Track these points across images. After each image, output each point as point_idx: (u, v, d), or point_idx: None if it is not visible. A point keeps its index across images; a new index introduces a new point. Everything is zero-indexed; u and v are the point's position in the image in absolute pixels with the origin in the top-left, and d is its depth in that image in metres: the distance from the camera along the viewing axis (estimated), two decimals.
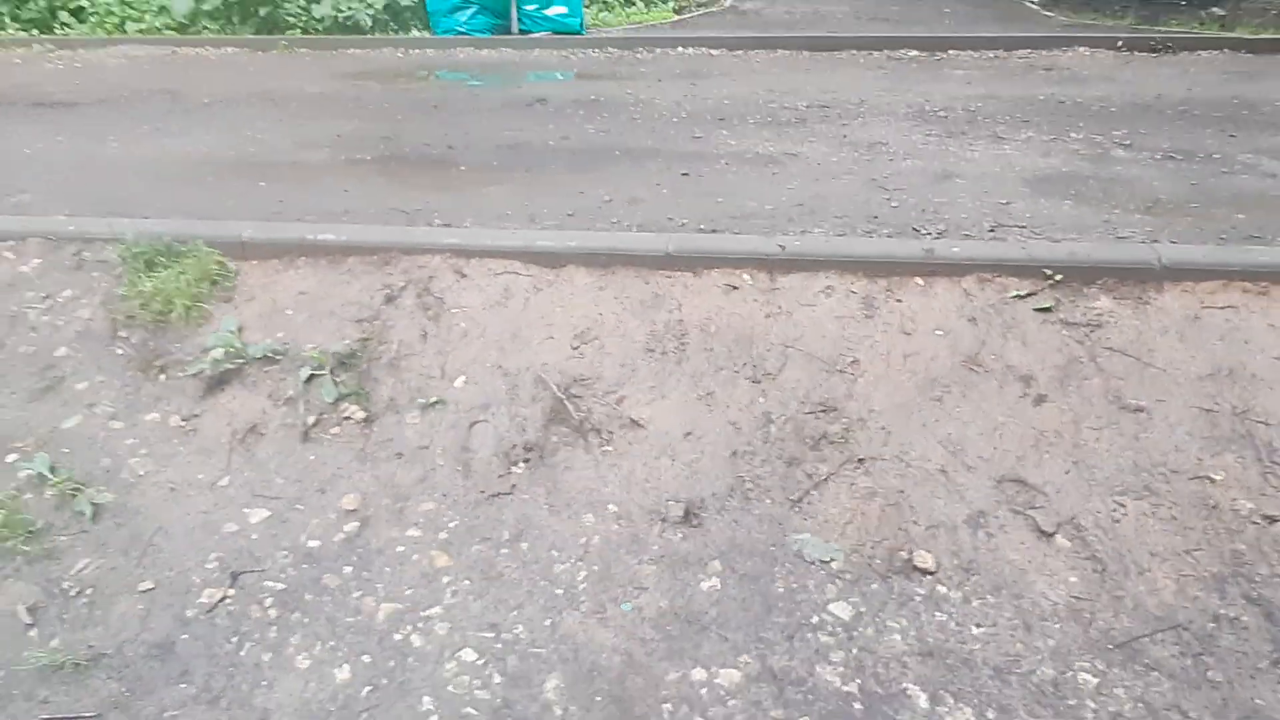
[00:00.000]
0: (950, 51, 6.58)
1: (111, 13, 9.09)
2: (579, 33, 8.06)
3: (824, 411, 2.65)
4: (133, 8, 9.13)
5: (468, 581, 2.30)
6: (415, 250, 3.19)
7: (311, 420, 2.77)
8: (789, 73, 6.22)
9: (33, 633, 2.20)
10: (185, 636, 2.18)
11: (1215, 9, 8.10)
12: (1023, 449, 2.51)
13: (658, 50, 7.13)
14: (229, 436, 2.77)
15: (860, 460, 2.54)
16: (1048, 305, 2.80)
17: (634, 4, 9.50)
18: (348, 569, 2.36)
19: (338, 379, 2.84)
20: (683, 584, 2.27)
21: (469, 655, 2.11)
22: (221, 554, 2.40)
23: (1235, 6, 8.13)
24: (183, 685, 2.06)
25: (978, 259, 2.93)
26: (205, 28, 8.72)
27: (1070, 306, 2.80)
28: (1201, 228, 3.30)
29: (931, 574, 2.26)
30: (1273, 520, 2.29)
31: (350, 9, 8.34)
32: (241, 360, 2.92)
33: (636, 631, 2.15)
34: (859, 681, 2.00)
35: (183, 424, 2.82)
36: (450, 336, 2.94)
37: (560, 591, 2.26)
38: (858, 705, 1.95)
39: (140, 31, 8.74)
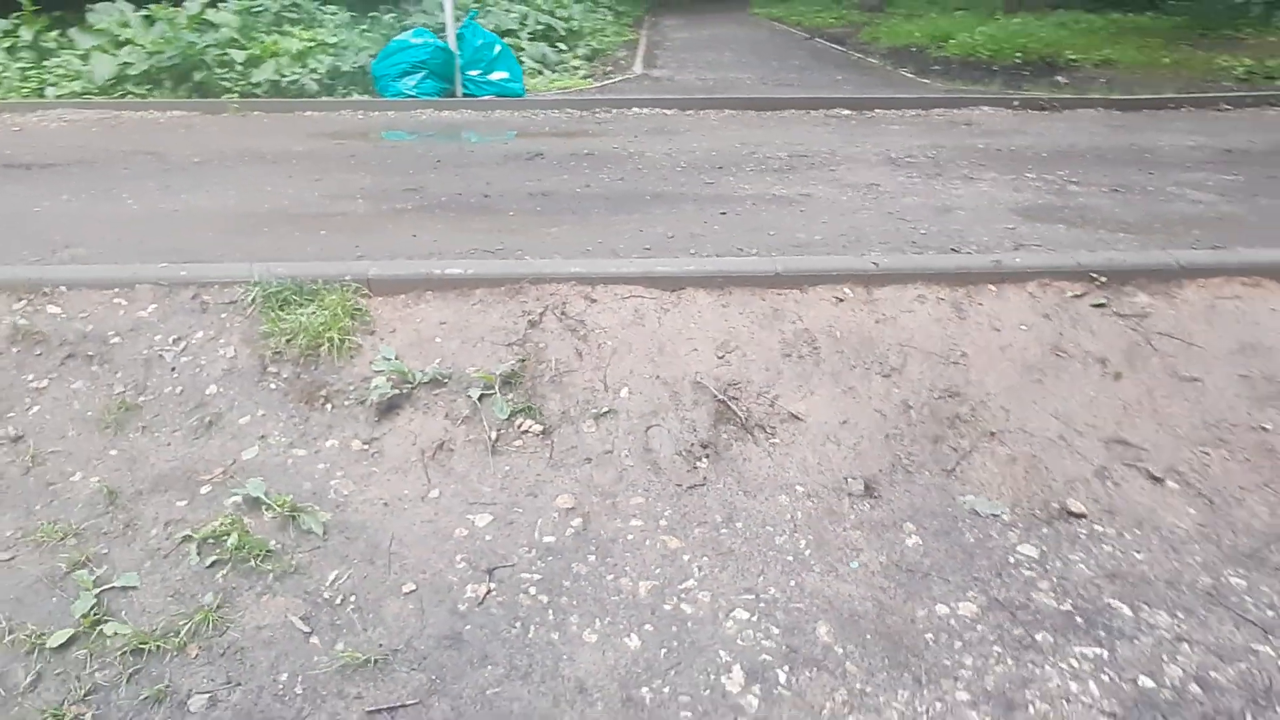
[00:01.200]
0: (877, 110, 7.35)
1: (28, 78, 8.65)
2: (521, 95, 8.39)
3: (950, 396, 3.04)
4: (49, 72, 8.72)
5: (705, 558, 2.51)
6: (541, 280, 3.39)
7: (494, 435, 2.90)
8: (748, 129, 6.77)
9: (313, 639, 2.22)
10: (468, 627, 2.27)
11: (1059, 78, 9.44)
12: (1116, 415, 2.99)
13: (614, 110, 7.55)
14: (419, 455, 2.85)
15: (992, 433, 2.94)
16: (1101, 302, 3.34)
17: (543, 73, 9.85)
18: (591, 557, 2.51)
19: (506, 397, 2.99)
20: (889, 543, 2.57)
21: (741, 614, 2.31)
22: (465, 555, 2.50)
23: (1071, 76, 9.53)
24: (489, 668, 2.15)
25: (1036, 267, 3.45)
26: (130, 92, 8.44)
27: (1119, 302, 3.34)
28: (1173, 240, 3.99)
29: (1084, 517, 2.67)
30: None
31: (294, 74, 8.32)
32: (409, 385, 3.01)
33: (873, 582, 2.43)
34: (1070, 601, 2.36)
35: (365, 447, 2.88)
36: (601, 354, 3.15)
37: (790, 559, 2.51)
38: (1079, 619, 2.30)
39: (59, 96, 8.36)
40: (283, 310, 3.22)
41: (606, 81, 10.17)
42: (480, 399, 2.98)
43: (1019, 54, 11.10)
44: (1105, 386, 3.08)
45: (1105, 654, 2.20)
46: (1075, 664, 2.17)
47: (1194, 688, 2.11)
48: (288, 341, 3.12)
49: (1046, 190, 4.90)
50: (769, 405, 3.01)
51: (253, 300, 3.25)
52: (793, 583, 2.43)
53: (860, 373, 3.11)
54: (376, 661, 2.16)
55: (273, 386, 3.05)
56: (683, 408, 3.00)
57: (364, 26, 9.76)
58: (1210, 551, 2.55)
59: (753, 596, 2.38)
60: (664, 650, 2.22)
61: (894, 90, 8.23)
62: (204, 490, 2.68)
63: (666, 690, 2.11)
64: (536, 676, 2.14)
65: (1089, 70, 10.01)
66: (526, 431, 2.93)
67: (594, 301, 3.33)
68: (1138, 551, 2.55)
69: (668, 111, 7.50)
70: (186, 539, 2.48)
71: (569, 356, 3.13)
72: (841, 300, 3.34)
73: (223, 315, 3.25)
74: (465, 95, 8.29)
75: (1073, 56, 10.77)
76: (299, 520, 2.55)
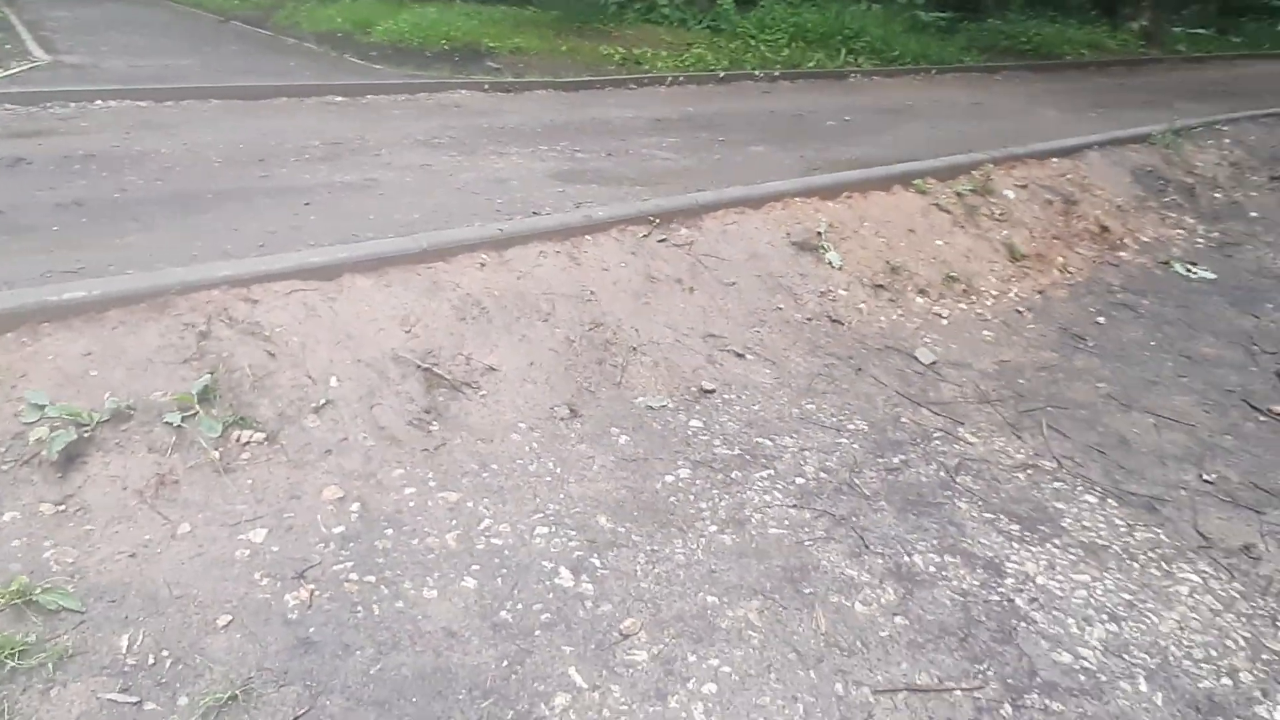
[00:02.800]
0: (369, 96, 7.50)
1: None
2: None
3: (596, 326, 3.65)
4: None
5: (485, 499, 2.73)
6: (190, 290, 3.07)
7: (217, 454, 2.66)
8: (251, 118, 6.39)
9: (148, 705, 1.93)
10: (311, 629, 2.18)
11: (490, 63, 10.60)
12: (701, 317, 3.93)
13: (73, 105, 6.40)
14: (138, 497, 2.48)
15: (633, 349, 3.63)
16: (663, 237, 4.24)
17: None
18: (389, 531, 2.54)
19: (212, 414, 2.74)
20: (608, 446, 3.10)
21: (541, 530, 2.63)
22: (262, 570, 2.33)
23: (499, 61, 10.77)
24: (357, 653, 2.13)
25: (614, 217, 4.20)
26: None
27: (673, 236, 4.28)
28: (671, 187, 5.13)
29: (714, 391, 3.53)
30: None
31: None
32: (87, 427, 2.56)
33: (614, 476, 2.93)
34: (736, 447, 3.18)
35: (61, 508, 2.40)
36: (292, 350, 3.03)
37: (549, 478, 2.87)
38: (746, 456, 3.13)
39: None
40: None
41: (14, 70, 8.36)
42: (183, 422, 2.68)
43: (445, 41, 11.96)
44: (687, 298, 3.99)
45: (771, 472, 3.07)
46: (760, 484, 2.99)
47: (823, 474, 3.09)
48: None
49: (563, 159, 5.75)
50: (466, 363, 3.27)
51: None
52: (562, 494, 2.82)
53: (526, 322, 3.53)
54: (238, 695, 2.01)
55: None
56: (393, 383, 3.10)
57: None
58: (788, 393, 3.61)
59: (541, 515, 2.72)
60: (499, 579, 2.45)
61: (374, 78, 8.41)
62: None
63: (520, 606, 2.37)
64: (406, 641, 2.22)
65: (508, 56, 11.31)
66: (249, 442, 2.74)
67: (256, 302, 3.14)
68: (753, 405, 3.49)
69: (142, 103, 6.62)
70: None
71: (261, 359, 2.96)
72: (484, 265, 3.69)
73: None
74: None
75: (491, 44, 11.98)
76: (40, 603, 2.10)
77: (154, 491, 2.52)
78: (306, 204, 4.41)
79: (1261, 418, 3.71)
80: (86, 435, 2.55)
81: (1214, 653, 2.40)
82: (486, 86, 8.22)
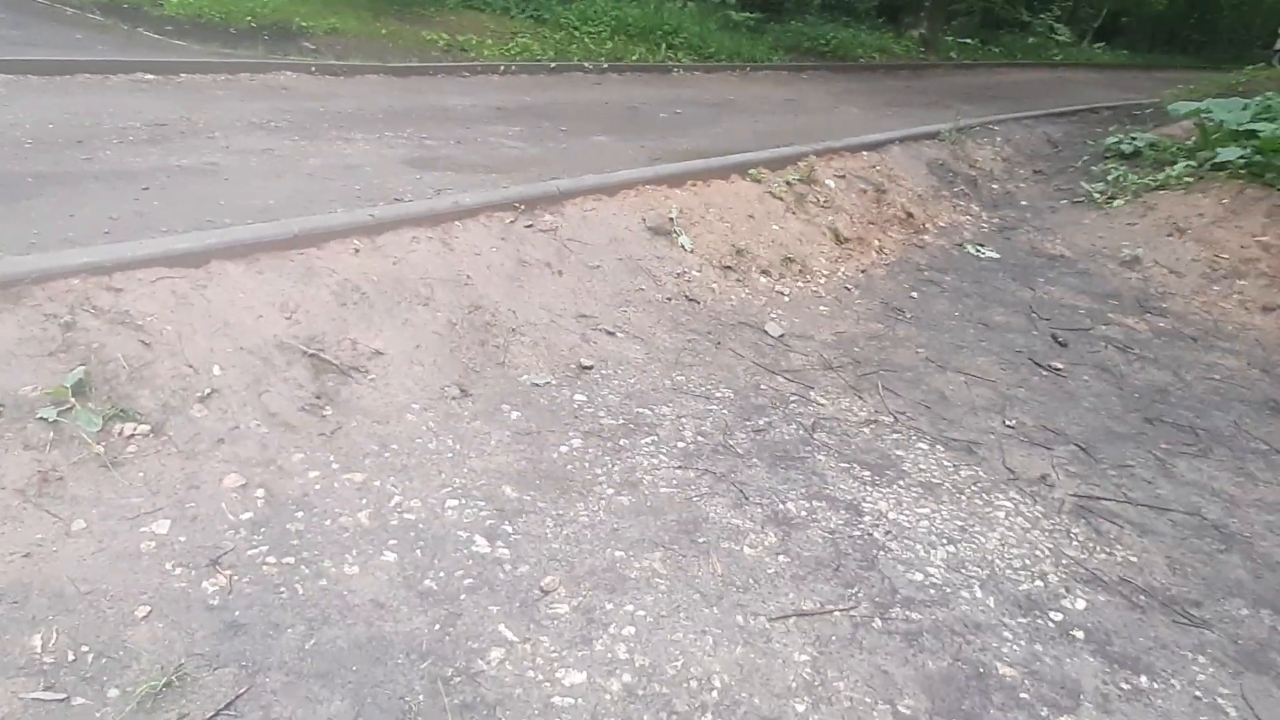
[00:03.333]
0: (184, 75, 7.00)
1: None
2: None
3: (476, 309, 3.73)
4: None
5: (391, 478, 2.78)
6: (48, 278, 2.86)
7: (101, 448, 2.53)
8: (53, 97, 5.82)
9: (77, 699, 1.87)
10: (237, 613, 2.16)
11: (305, 44, 10.16)
12: (572, 298, 4.10)
13: None
14: (19, 496, 2.33)
15: (512, 329, 3.75)
16: (530, 223, 4.37)
17: None
18: (299, 513, 2.54)
19: (88, 407, 2.60)
20: (501, 421, 3.22)
21: (451, 502, 2.71)
22: (173, 560, 2.28)
23: (314, 42, 10.35)
24: (289, 630, 2.15)
25: (481, 204, 4.27)
26: None
27: (539, 221, 4.42)
28: (525, 175, 5.25)
29: (592, 368, 3.73)
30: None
31: None
32: None
33: (512, 448, 3.06)
34: (620, 417, 3.39)
35: None
36: (169, 340, 2.91)
37: (450, 454, 2.96)
38: (630, 425, 3.35)
39: None
40: None
41: None
42: (59, 417, 2.54)
43: (251, 19, 11.28)
44: (557, 281, 4.15)
45: (655, 438, 3.32)
46: (646, 449, 3.23)
47: (700, 437, 3.37)
48: None
49: (413, 146, 5.70)
50: (353, 348, 3.27)
51: None
52: (465, 468, 2.92)
53: (407, 306, 3.56)
54: (172, 682, 1.99)
55: None
56: (280, 370, 3.05)
57: None
58: (659, 367, 3.88)
59: (449, 489, 2.81)
60: (418, 551, 2.53)
61: (181, 55, 7.82)
62: None
63: (443, 574, 2.47)
64: (336, 615, 2.27)
65: (324, 37, 10.85)
66: (134, 435, 2.63)
67: (121, 291, 2.98)
68: (629, 378, 3.73)
69: None
70: None
71: (136, 350, 2.83)
72: (358, 251, 3.67)
73: None
74: None
75: (304, 24, 11.41)
76: None
77: (37, 490, 2.38)
78: (145, 189, 4.14)
79: (1044, 373, 4.40)
80: None
81: (1028, 562, 2.90)
82: (314, 69, 7.90)
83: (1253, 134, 6.75)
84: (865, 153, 6.97)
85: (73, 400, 2.58)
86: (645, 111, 8.23)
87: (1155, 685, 2.44)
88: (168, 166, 4.56)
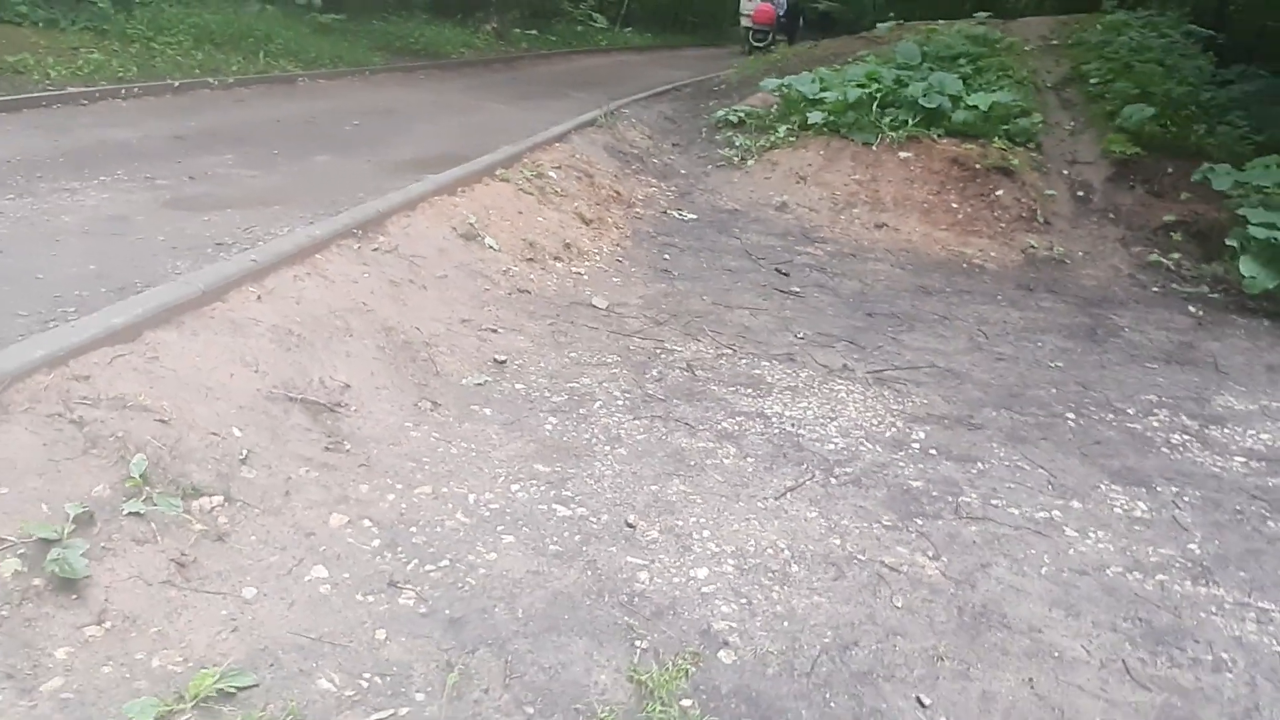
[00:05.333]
0: None
1: None
2: None
3: (389, 330, 3.91)
4: None
5: (454, 482, 3.07)
6: (15, 380, 2.56)
7: (202, 525, 2.48)
8: None
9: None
10: None
11: None
12: (447, 306, 4.43)
13: None
14: (173, 587, 2.25)
15: (426, 343, 4.02)
16: (375, 246, 4.52)
17: None
18: (413, 529, 2.77)
19: (161, 492, 2.50)
20: (484, 419, 3.58)
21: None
22: (371, 594, 2.43)
23: None
24: None
25: (330, 233, 4.33)
26: None
27: (378, 243, 4.59)
28: (298, 204, 5.23)
29: (505, 361, 4.16)
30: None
31: None
32: (57, 541, 2.18)
33: (516, 437, 3.48)
34: (564, 395, 3.94)
35: (107, 625, 2.10)
36: (176, 413, 2.79)
37: (465, 457, 3.29)
38: (565, 398, 3.93)
39: None
40: None
41: None
42: (144, 508, 2.42)
43: None
44: (425, 294, 4.44)
45: (600, 401, 3.94)
46: (602, 412, 3.86)
47: (627, 393, 4.07)
48: None
49: (155, 188, 5.22)
50: (323, 387, 3.35)
51: None
52: (494, 460, 3.30)
53: (338, 340, 3.65)
54: (460, 671, 2.27)
55: None
56: (282, 419, 3.08)
57: None
58: (548, 349, 4.43)
59: (501, 478, 3.18)
60: (524, 528, 2.94)
61: None
62: None
63: (555, 539, 2.93)
64: (515, 589, 2.64)
65: None
66: (213, 508, 2.59)
67: (89, 377, 2.75)
68: (539, 363, 4.24)
69: None
70: None
71: (159, 430, 2.68)
72: (260, 297, 3.63)
73: None
74: None
75: None
76: (227, 691, 1.98)
77: (182, 577, 2.33)
78: None
79: (790, 297, 5.81)
80: (67, 549, 2.20)
81: (876, 419, 4.17)
82: None
83: (821, 101, 9.01)
84: (558, 144, 7.88)
85: (146, 489, 2.47)
86: (326, 125, 8.14)
87: (983, 465, 3.84)
88: None
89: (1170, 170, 8.22)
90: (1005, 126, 8.24)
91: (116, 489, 2.45)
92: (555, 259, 5.68)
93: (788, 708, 2.38)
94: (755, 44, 22.64)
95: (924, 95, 8.49)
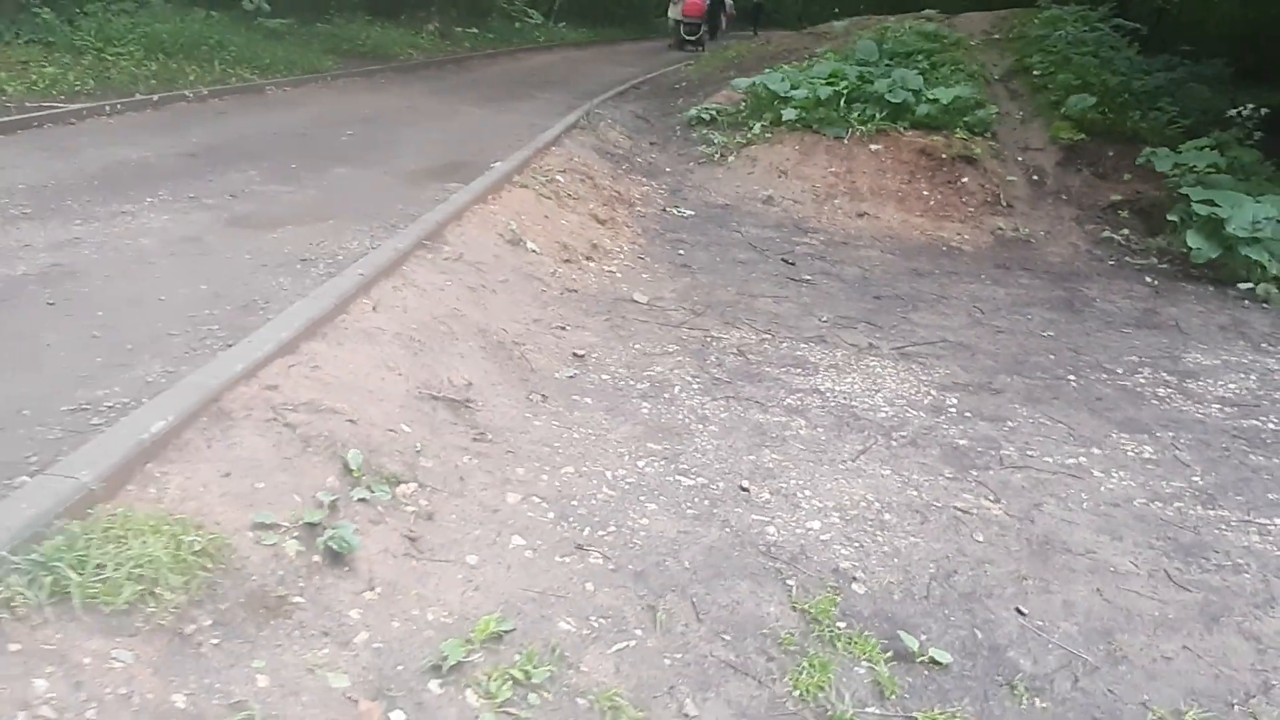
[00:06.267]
0: None
1: None
2: None
3: (484, 333, 4.31)
4: None
5: (589, 464, 3.51)
6: (225, 390, 2.89)
7: (413, 508, 2.87)
8: None
9: None
10: None
11: None
12: (518, 308, 4.82)
13: None
14: (410, 559, 2.65)
15: (515, 343, 4.42)
16: (446, 256, 4.89)
17: None
18: (574, 501, 3.20)
19: (374, 480, 2.88)
20: (588, 406, 4.01)
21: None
22: (572, 557, 2.87)
23: None
24: None
25: (408, 246, 4.67)
26: None
27: (446, 251, 4.95)
28: (342, 219, 5.54)
29: (584, 355, 4.59)
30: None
31: None
32: (317, 526, 2.56)
33: (623, 421, 3.93)
34: (644, 382, 4.40)
35: (376, 591, 2.49)
36: (356, 413, 3.16)
37: (591, 439, 3.73)
38: (646, 385, 4.39)
39: None
40: None
41: None
42: (368, 494, 2.81)
43: None
44: (496, 298, 4.83)
45: (678, 385, 4.41)
46: (683, 396, 4.33)
47: (696, 377, 4.55)
48: None
49: (205, 209, 5.44)
50: (452, 385, 3.73)
51: None
52: (614, 441, 3.74)
53: (446, 342, 4.03)
54: (662, 613, 2.73)
55: None
56: (431, 415, 3.47)
57: None
58: (614, 340, 4.87)
59: (626, 456, 3.63)
60: (661, 496, 3.40)
61: None
62: None
63: (689, 505, 3.40)
64: (662, 548, 3.11)
65: None
66: (413, 492, 2.98)
67: (277, 386, 3.11)
68: (612, 355, 4.68)
69: None
70: None
71: (351, 428, 3.06)
72: (375, 308, 3.99)
73: None
74: None
75: None
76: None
77: (415, 550, 2.72)
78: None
79: (802, 284, 6.37)
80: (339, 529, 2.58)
81: (912, 389, 4.75)
82: None
83: (791, 98, 9.61)
84: (554, 149, 8.27)
85: (365, 478, 2.85)
86: (320, 137, 8.33)
87: (1012, 423, 4.46)
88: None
89: (1111, 154, 9.11)
90: (965, 118, 8.98)
91: (343, 480, 2.82)
92: (587, 259, 6.11)
93: (919, 624, 2.92)
94: (686, 37, 23.28)
95: (889, 91, 9.16)
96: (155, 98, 9.38)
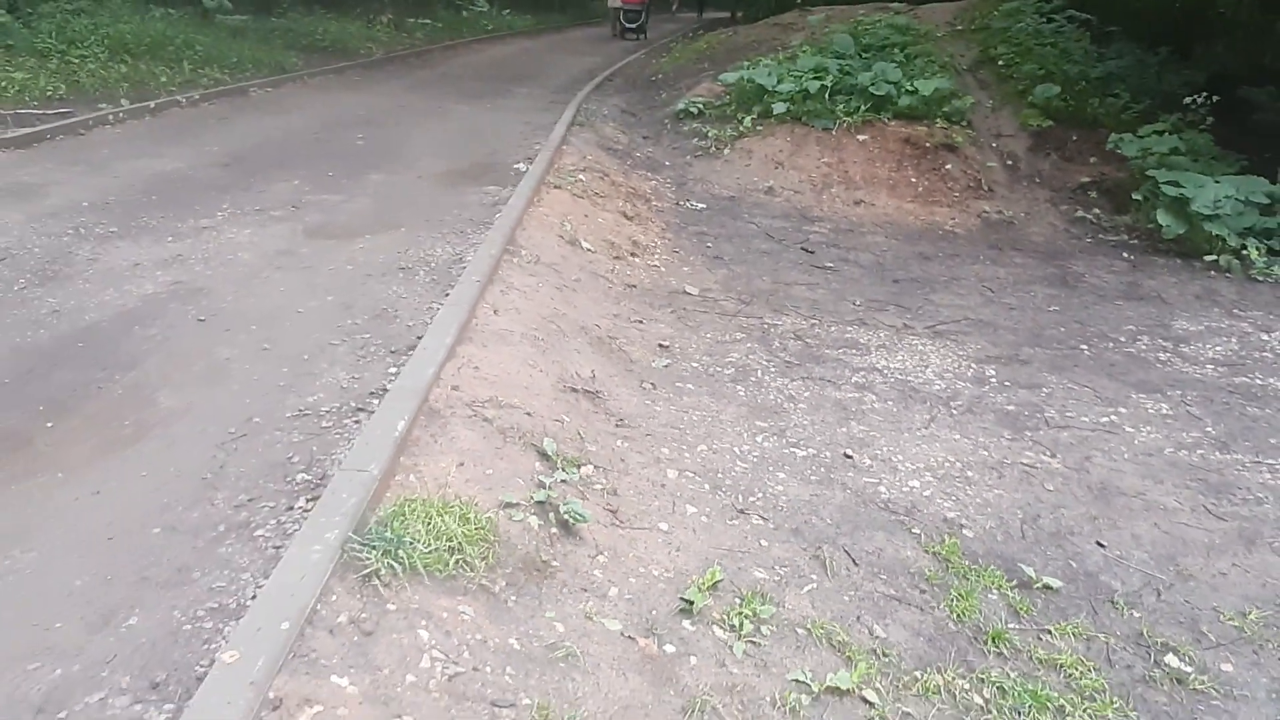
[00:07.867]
0: None
1: None
2: None
3: (584, 329, 4.77)
4: None
5: (708, 444, 4.02)
6: (425, 391, 3.31)
7: (600, 484, 3.35)
8: None
9: None
10: None
11: None
12: (597, 305, 5.28)
13: None
14: (613, 527, 3.13)
15: (611, 337, 4.89)
16: (525, 259, 5.30)
17: None
18: (718, 473, 3.72)
19: (562, 465, 3.35)
20: (692, 392, 4.53)
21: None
22: (732, 520, 3.38)
23: None
24: None
25: (497, 251, 5.08)
26: None
27: (524, 253, 5.37)
28: (400, 222, 5.90)
29: (668, 345, 5.09)
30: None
31: None
32: (550, 505, 3.02)
33: (726, 402, 4.45)
34: (731, 369, 4.92)
35: (615, 546, 2.97)
36: (525, 406, 3.60)
37: (702, 418, 4.25)
38: (731, 371, 4.92)
39: None
40: None
41: None
42: (565, 476, 3.27)
43: None
44: (576, 295, 5.27)
45: (760, 368, 4.95)
46: (765, 379, 4.87)
47: (769, 360, 5.10)
48: None
49: (280, 221, 5.74)
50: (578, 377, 4.20)
51: None
52: (724, 421, 4.27)
53: (561, 338, 4.49)
54: (816, 552, 3.28)
55: None
56: (573, 404, 3.93)
57: None
58: (687, 331, 5.38)
59: (742, 433, 4.16)
60: (785, 467, 3.94)
61: None
62: None
63: (809, 471, 3.95)
64: (804, 507, 3.66)
65: None
66: (591, 473, 3.46)
67: (458, 387, 3.54)
68: (690, 343, 5.19)
69: None
70: None
71: (528, 420, 3.51)
72: (496, 311, 4.41)
73: None
74: None
75: None
76: None
77: (615, 520, 3.20)
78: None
79: (826, 271, 6.97)
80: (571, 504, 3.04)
81: (953, 363, 5.39)
82: None
83: (778, 92, 10.19)
84: (565, 148, 8.69)
85: (561, 462, 3.31)
86: (333, 141, 8.58)
87: (1046, 390, 5.13)
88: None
89: (1075, 138, 9.95)
90: (944, 109, 9.70)
91: (544, 464, 3.28)
92: (632, 255, 6.59)
93: (1022, 558, 3.53)
94: (627, 25, 23.78)
95: (872, 84, 9.82)
96: (152, 104, 9.45)
